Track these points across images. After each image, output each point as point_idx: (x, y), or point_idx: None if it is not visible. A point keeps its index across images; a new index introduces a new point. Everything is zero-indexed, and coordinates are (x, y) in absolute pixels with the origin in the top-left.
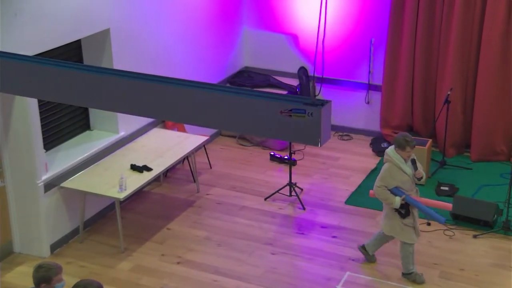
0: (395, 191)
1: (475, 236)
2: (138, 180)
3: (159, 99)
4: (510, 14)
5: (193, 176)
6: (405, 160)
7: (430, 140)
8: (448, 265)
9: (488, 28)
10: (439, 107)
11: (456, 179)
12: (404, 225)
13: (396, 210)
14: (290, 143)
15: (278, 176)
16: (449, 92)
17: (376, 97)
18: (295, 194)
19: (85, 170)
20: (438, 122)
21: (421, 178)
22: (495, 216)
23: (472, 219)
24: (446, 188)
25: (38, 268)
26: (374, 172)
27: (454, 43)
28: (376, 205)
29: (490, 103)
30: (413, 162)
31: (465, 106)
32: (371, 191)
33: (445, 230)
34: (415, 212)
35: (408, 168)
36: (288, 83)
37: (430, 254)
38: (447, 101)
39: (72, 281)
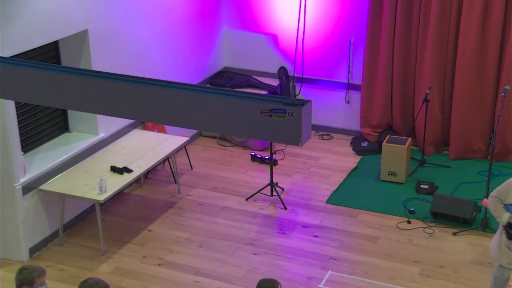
0: (508, 207)
1: (454, 234)
2: (119, 182)
3: (139, 100)
4: (486, 13)
5: (173, 177)
6: None
7: (410, 139)
8: (428, 263)
9: (465, 27)
10: (418, 106)
11: (435, 177)
12: (505, 246)
13: (504, 228)
14: (270, 143)
15: (259, 176)
16: (428, 91)
17: (356, 96)
18: (276, 194)
19: (64, 172)
20: (417, 121)
21: None
22: (474, 213)
23: (451, 217)
24: (426, 186)
25: (21, 270)
26: (355, 171)
27: (431, 43)
28: (357, 204)
29: (467, 102)
30: None
31: (443, 105)
32: (484, 200)
33: (425, 228)
34: None
35: None
36: (268, 83)
37: (410, 252)
38: (426, 100)
39: (51, 285)
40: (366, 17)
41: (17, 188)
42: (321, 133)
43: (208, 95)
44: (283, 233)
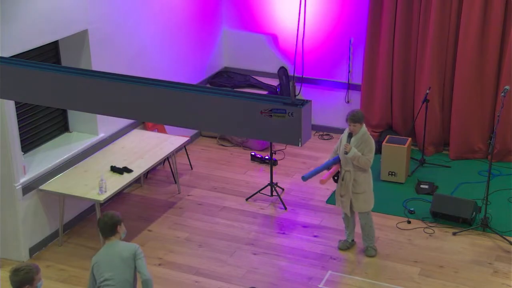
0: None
1: (454, 234)
2: (118, 182)
3: (139, 100)
4: (485, 13)
5: (173, 177)
6: (351, 134)
7: (410, 139)
8: (428, 262)
9: (465, 28)
10: (418, 106)
11: (435, 177)
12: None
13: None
14: (270, 143)
15: (259, 176)
16: (428, 91)
17: (356, 96)
18: (276, 194)
19: (64, 172)
20: (417, 121)
21: (347, 153)
22: (474, 213)
23: (451, 217)
24: (426, 186)
25: (17, 271)
26: None
27: (431, 42)
28: None
29: (467, 102)
30: (350, 136)
31: (443, 105)
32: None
33: (425, 228)
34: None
35: (344, 140)
36: (268, 83)
37: (410, 252)
38: (426, 100)
39: (51, 285)
40: (366, 17)
41: (17, 188)
42: (321, 133)
43: (208, 95)
44: (283, 233)
